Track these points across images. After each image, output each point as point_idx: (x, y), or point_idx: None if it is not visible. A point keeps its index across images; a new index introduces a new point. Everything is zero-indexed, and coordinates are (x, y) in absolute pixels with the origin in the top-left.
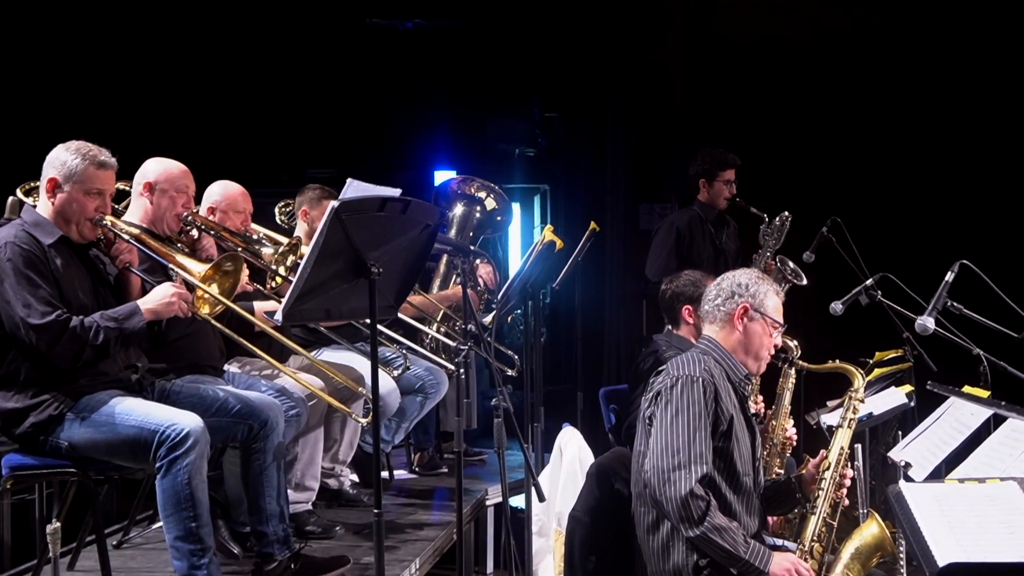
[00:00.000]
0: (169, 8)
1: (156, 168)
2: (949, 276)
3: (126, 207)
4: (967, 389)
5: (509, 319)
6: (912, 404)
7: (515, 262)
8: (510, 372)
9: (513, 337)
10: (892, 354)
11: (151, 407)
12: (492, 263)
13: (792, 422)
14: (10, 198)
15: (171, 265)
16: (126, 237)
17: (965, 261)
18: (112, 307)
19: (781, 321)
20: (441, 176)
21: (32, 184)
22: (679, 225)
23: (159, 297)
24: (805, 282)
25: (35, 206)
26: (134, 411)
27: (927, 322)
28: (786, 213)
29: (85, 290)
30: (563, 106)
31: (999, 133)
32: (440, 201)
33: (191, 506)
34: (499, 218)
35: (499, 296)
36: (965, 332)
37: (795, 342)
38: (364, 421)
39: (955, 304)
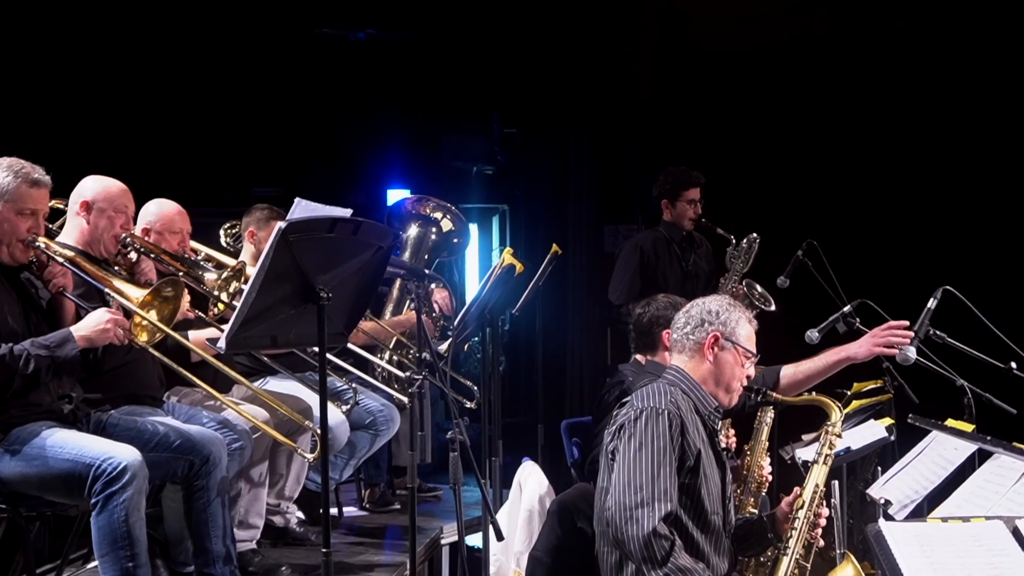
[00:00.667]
0: (104, 18)
1: (94, 186)
2: (932, 303)
3: (60, 227)
4: (950, 423)
5: (466, 347)
6: (892, 438)
7: (472, 286)
8: (468, 404)
9: (470, 366)
10: (871, 385)
11: (86, 440)
12: (448, 288)
13: (768, 460)
14: None
15: (108, 290)
16: (60, 260)
17: (948, 287)
18: (44, 334)
19: (754, 350)
20: (394, 195)
21: None
22: (643, 245)
23: (93, 324)
24: (774, 307)
25: None
26: (68, 444)
27: (908, 352)
28: (754, 235)
29: (15, 315)
30: (524, 121)
31: (986, 149)
32: (393, 222)
33: (128, 545)
34: (456, 240)
35: (455, 323)
36: (947, 362)
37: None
38: (311, 457)
39: (938, 332)
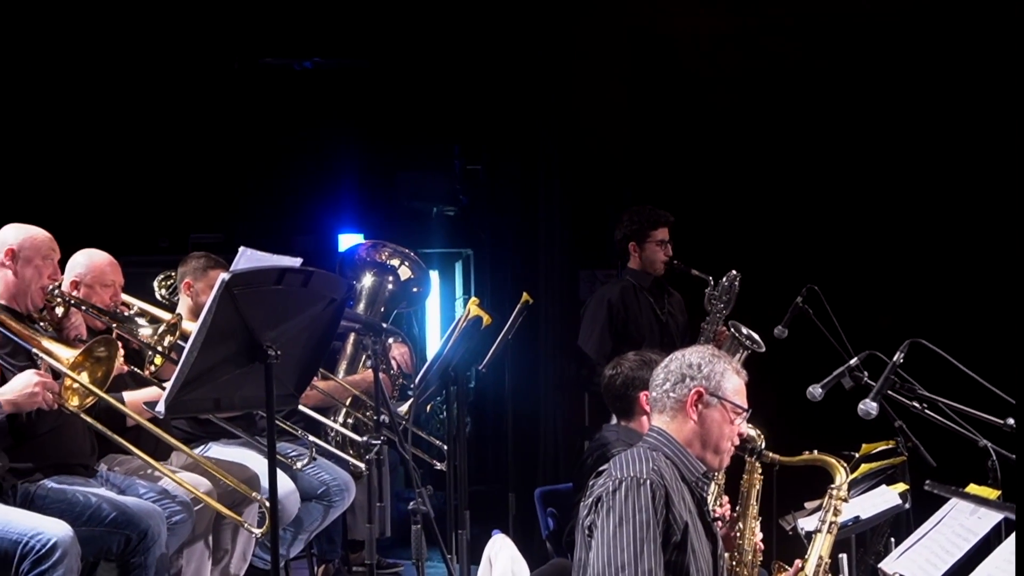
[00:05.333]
0: (23, 52)
1: (17, 234)
2: (898, 356)
3: None
4: (972, 489)
5: (428, 408)
6: (907, 506)
7: (434, 340)
8: (438, 465)
9: (432, 428)
10: (882, 446)
11: (12, 514)
12: (407, 343)
13: (758, 525)
14: None
15: (36, 350)
16: None
17: (920, 340)
18: None
19: (744, 405)
20: (347, 241)
21: None
22: (611, 298)
23: (20, 387)
24: (764, 348)
25: None
26: None
27: (870, 407)
28: (734, 272)
29: None
30: (488, 157)
31: (995, 181)
32: (346, 270)
33: None
34: (415, 289)
35: (416, 381)
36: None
37: (758, 431)
38: (258, 532)
39: (919, 392)
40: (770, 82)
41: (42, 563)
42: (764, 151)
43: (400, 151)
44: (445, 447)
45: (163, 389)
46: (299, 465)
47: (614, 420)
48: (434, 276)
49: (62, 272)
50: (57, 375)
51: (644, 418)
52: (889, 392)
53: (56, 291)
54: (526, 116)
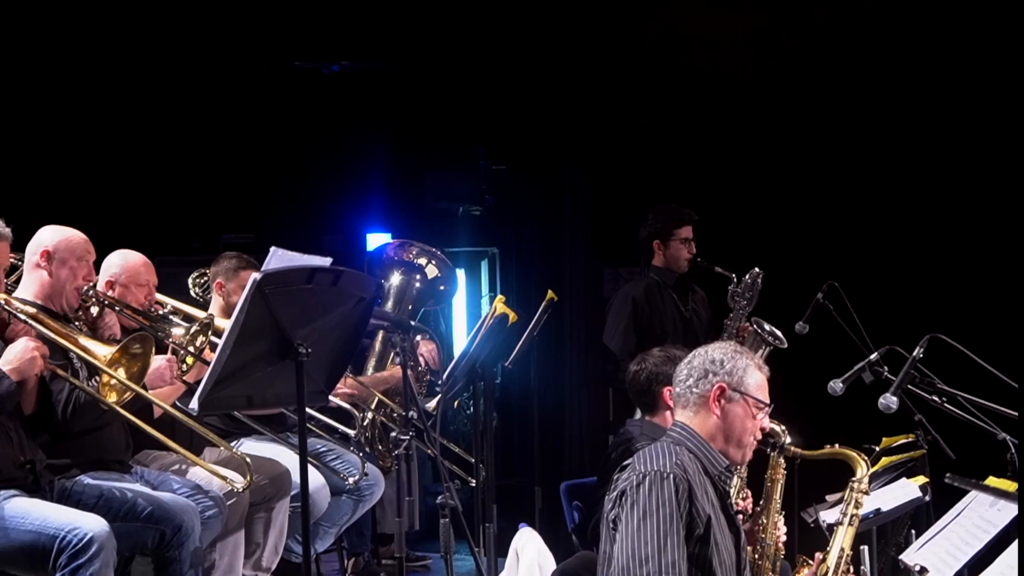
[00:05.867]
0: (60, 58)
1: (54, 236)
2: (918, 351)
3: (16, 282)
4: (991, 481)
5: (455, 404)
6: (927, 498)
7: (460, 337)
8: (470, 481)
9: (459, 424)
10: (902, 440)
11: (50, 509)
12: (435, 340)
13: (783, 519)
14: None
15: (73, 348)
16: (22, 317)
17: (939, 335)
18: None
19: (766, 400)
20: (374, 240)
21: None
22: (635, 295)
23: (19, 354)
24: (786, 344)
25: None
26: (30, 514)
27: (890, 401)
28: (756, 269)
29: None
30: (513, 157)
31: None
32: (374, 269)
33: None
34: (442, 287)
35: (444, 377)
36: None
37: (782, 426)
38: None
39: (940, 386)
40: (790, 81)
41: (79, 557)
42: (785, 150)
43: (427, 152)
44: (463, 454)
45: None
46: (351, 481)
47: (638, 415)
48: (460, 274)
49: (97, 273)
50: (94, 371)
51: (667, 413)
52: (909, 386)
53: (91, 291)
54: (550, 117)
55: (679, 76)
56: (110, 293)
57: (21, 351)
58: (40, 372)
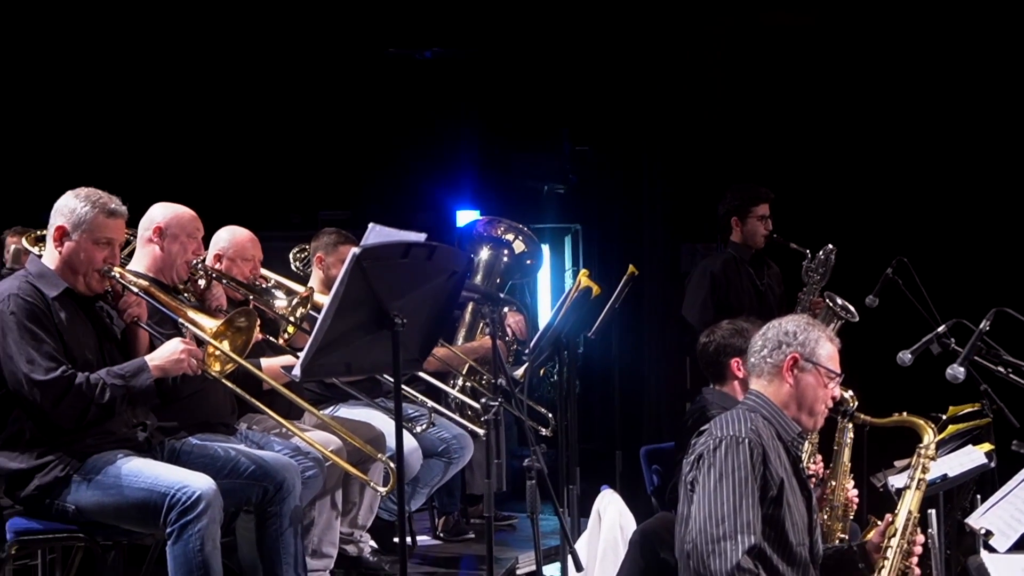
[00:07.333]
0: (171, 46)
1: (165, 212)
2: (984, 324)
3: (128, 256)
4: None
5: (541, 372)
6: (992, 465)
7: (544, 309)
8: (544, 431)
9: (544, 391)
10: (968, 408)
11: (160, 468)
12: (522, 311)
13: (853, 482)
14: (13, 246)
15: (181, 320)
16: (135, 289)
17: (1005, 308)
18: (118, 363)
19: (837, 371)
20: (464, 217)
21: (39, 233)
22: (713, 270)
23: (168, 354)
24: (857, 319)
25: (40, 256)
26: (143, 473)
27: (957, 371)
28: (830, 246)
29: (90, 346)
30: (595, 138)
31: None
32: (464, 244)
33: (203, 574)
34: (528, 262)
35: (530, 347)
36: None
37: (851, 393)
38: (383, 490)
39: (1008, 357)
40: (860, 65)
41: (188, 513)
42: (855, 132)
43: (513, 134)
44: (550, 415)
45: (296, 356)
46: (418, 429)
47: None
48: (545, 250)
49: (205, 248)
50: (200, 343)
51: (735, 383)
52: (975, 358)
53: (200, 265)
54: (630, 99)
55: (753, 63)
56: (217, 266)
57: (171, 351)
58: (191, 372)
